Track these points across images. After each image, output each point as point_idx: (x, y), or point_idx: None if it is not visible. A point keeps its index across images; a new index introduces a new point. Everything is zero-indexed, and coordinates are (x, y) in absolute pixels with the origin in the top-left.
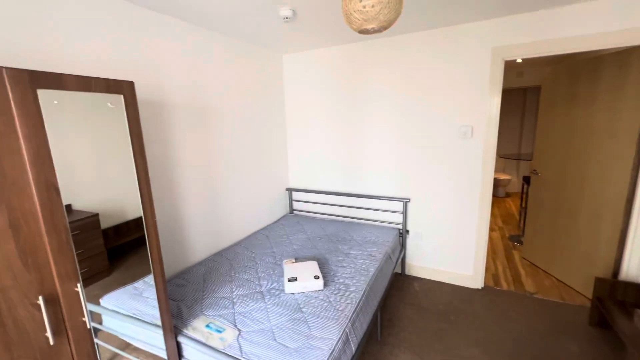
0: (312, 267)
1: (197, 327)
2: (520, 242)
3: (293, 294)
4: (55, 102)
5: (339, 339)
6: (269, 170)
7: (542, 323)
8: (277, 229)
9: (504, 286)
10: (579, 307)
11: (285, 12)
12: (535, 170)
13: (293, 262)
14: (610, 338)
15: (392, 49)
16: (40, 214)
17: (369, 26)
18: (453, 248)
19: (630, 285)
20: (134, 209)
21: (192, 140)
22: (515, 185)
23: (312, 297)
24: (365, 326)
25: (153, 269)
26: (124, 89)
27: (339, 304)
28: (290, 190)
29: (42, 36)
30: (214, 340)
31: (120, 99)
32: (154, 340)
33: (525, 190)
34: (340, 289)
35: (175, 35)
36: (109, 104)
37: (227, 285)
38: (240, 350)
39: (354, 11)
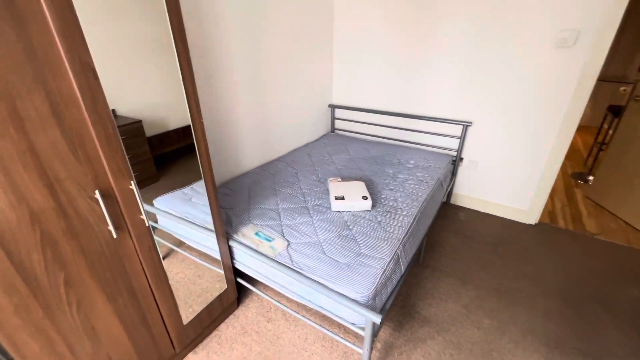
0: (360, 187)
1: (247, 234)
2: (585, 181)
3: (340, 212)
4: None
5: (391, 259)
6: (312, 83)
7: (601, 264)
8: (319, 147)
9: (561, 224)
10: None
11: None
12: (638, 97)
13: (339, 181)
14: None
15: None
16: (80, 100)
17: None
18: (511, 180)
19: None
20: (176, 118)
21: (238, 41)
22: (587, 117)
23: (359, 217)
24: (414, 250)
25: (203, 175)
26: None
27: (389, 226)
28: (333, 107)
29: None
30: (265, 248)
31: None
32: (206, 241)
33: (608, 122)
34: (389, 212)
35: None
36: None
37: (272, 198)
38: (291, 260)
39: None
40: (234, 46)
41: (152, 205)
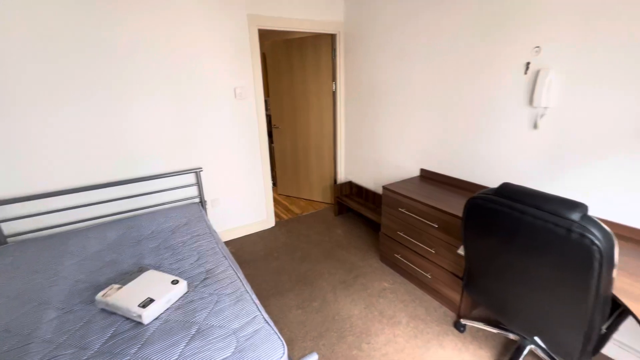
0: (154, 275)
1: None
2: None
3: (157, 317)
4: None
5: (259, 308)
6: None
7: (319, 227)
8: (9, 272)
9: (284, 217)
10: (324, 209)
11: None
12: (276, 125)
13: (119, 288)
14: (349, 218)
15: None
16: None
17: None
18: (247, 202)
19: (346, 184)
20: None
21: None
22: None
23: (188, 304)
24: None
25: None
26: None
27: (224, 288)
28: None
29: None
30: None
31: None
32: None
33: None
34: (207, 278)
35: None
36: None
37: None
38: None
39: None
40: None
41: None
